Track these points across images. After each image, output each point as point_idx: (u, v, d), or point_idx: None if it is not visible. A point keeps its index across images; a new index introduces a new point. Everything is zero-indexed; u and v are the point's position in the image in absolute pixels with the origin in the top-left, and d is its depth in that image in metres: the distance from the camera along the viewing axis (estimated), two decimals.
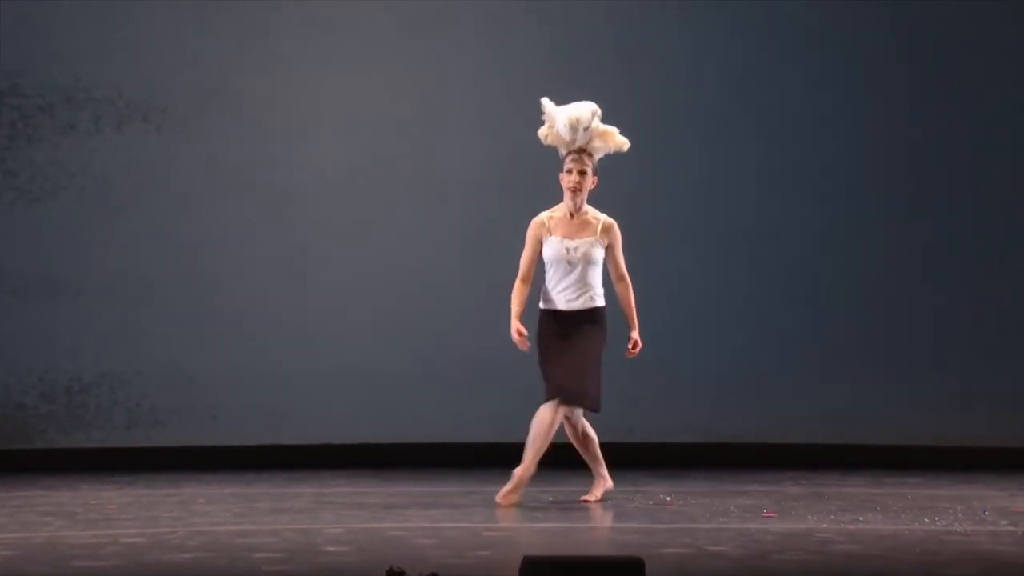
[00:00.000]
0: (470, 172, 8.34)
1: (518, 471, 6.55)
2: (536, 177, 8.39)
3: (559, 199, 6.67)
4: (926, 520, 6.28)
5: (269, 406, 8.15)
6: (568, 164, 6.56)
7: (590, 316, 6.56)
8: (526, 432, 8.55)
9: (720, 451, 8.17)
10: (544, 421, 6.52)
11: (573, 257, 6.54)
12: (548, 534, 5.94)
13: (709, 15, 8.32)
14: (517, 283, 6.59)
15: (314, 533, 5.85)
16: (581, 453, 6.77)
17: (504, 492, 6.56)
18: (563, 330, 6.56)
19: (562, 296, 6.58)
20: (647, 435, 8.22)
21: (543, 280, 6.68)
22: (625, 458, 8.15)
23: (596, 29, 8.34)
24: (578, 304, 6.55)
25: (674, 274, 8.27)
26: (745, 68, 8.35)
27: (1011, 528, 6.06)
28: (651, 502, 6.80)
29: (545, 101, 6.57)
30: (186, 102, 8.20)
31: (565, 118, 6.51)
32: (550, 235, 6.57)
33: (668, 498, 6.91)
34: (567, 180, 6.56)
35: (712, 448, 8.18)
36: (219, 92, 8.23)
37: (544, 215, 6.63)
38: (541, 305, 6.65)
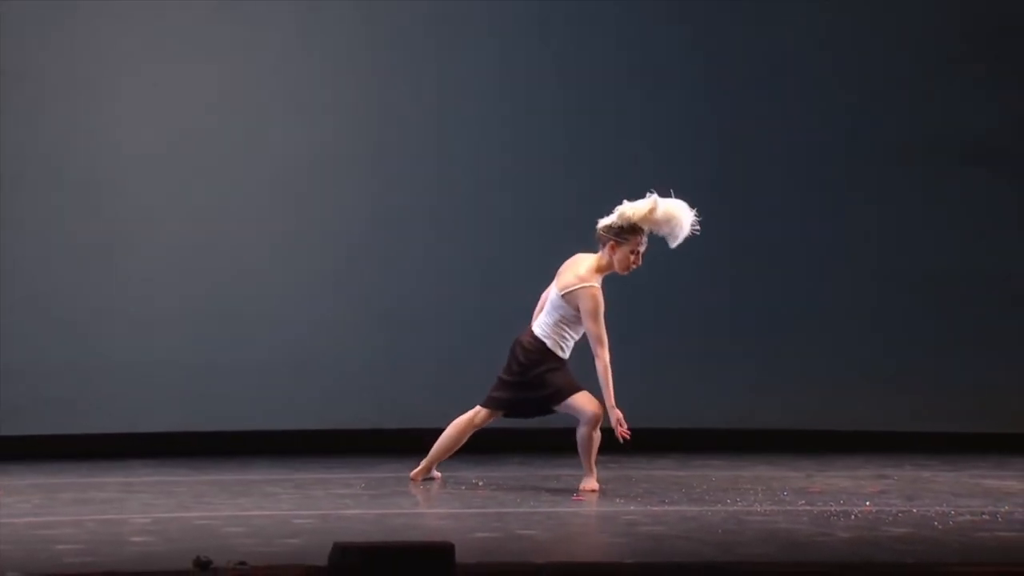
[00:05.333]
0: (285, 157, 8.27)
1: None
2: (350, 162, 8.39)
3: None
4: (728, 501, 6.46)
5: (75, 395, 7.96)
6: (643, 248, 6.71)
7: None
8: (336, 419, 8.52)
9: (531, 437, 8.26)
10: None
11: None
12: (358, 520, 5.94)
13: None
14: (606, 363, 6.67)
15: (119, 523, 5.75)
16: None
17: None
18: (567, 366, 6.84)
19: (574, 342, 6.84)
20: None
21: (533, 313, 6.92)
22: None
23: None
24: None
25: (477, 265, 8.33)
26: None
27: (808, 507, 6.27)
28: (463, 487, 6.85)
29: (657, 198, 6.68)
30: None
31: (683, 223, 6.65)
32: None
33: (479, 483, 6.97)
34: (635, 263, 6.72)
35: (523, 434, 8.26)
36: (23, 76, 8.00)
37: (598, 286, 6.72)
38: (556, 351, 6.77)
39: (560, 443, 8.16)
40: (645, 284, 8.09)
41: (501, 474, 7.28)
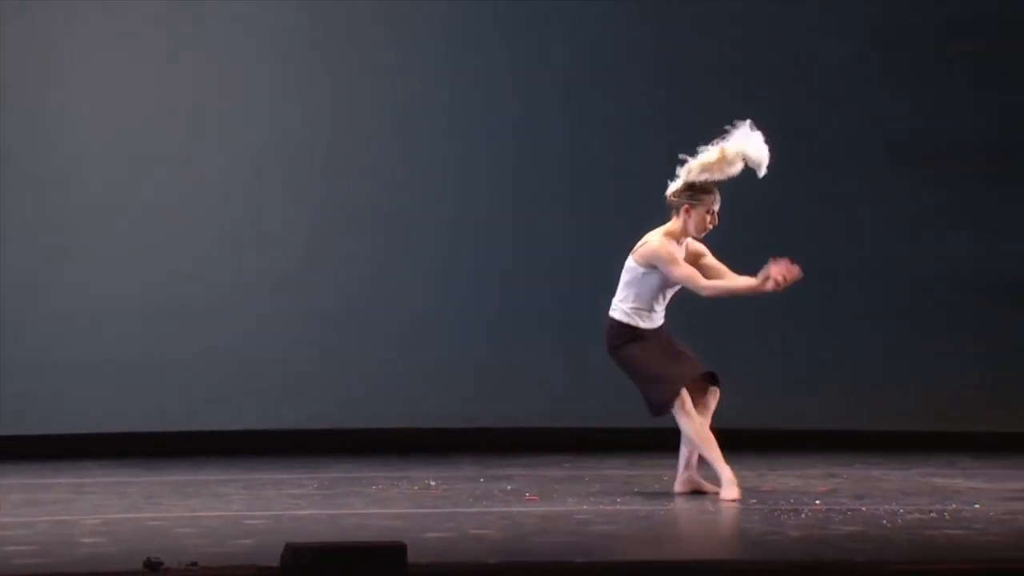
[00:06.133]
0: (234, 157, 8.24)
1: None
2: (300, 160, 8.37)
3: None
4: (680, 500, 6.50)
5: (24, 395, 7.91)
6: (717, 206, 6.43)
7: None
8: (289, 418, 8.52)
9: (484, 436, 8.28)
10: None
11: None
12: (311, 521, 5.93)
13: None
14: (709, 283, 6.36)
15: (70, 524, 5.72)
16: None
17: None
18: (653, 341, 6.52)
19: (658, 317, 6.54)
20: (412, 420, 8.27)
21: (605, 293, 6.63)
22: (391, 444, 8.21)
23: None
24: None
25: (439, 260, 8.35)
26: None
27: (759, 506, 6.31)
28: (416, 487, 6.85)
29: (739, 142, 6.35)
30: None
31: (756, 149, 6.36)
32: None
33: (433, 483, 6.97)
34: (712, 223, 6.43)
35: (476, 433, 8.28)
36: None
37: (668, 240, 6.41)
38: (628, 321, 6.47)
39: (513, 442, 8.20)
40: (599, 285, 8.11)
41: (454, 474, 7.28)
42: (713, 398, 6.57)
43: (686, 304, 8.52)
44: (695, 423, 6.45)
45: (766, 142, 6.39)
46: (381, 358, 8.29)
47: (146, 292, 8.13)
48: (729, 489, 6.42)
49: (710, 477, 6.69)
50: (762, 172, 6.40)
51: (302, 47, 8.31)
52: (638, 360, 6.50)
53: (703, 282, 6.39)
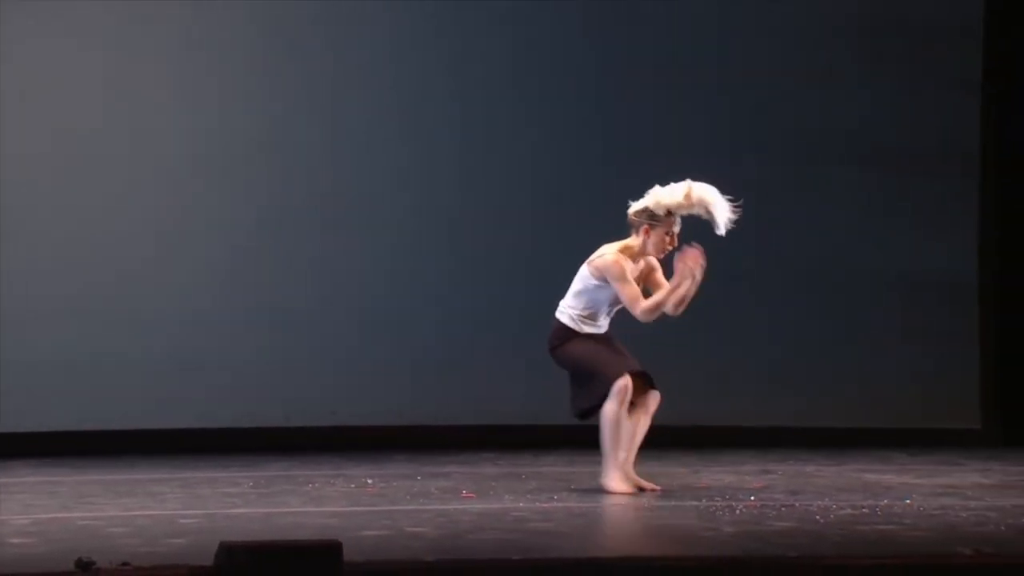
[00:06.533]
0: (172, 155, 8.18)
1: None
2: (238, 158, 8.32)
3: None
4: (616, 497, 6.51)
5: None
6: (677, 228, 6.50)
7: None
8: (225, 416, 8.47)
9: (420, 434, 8.27)
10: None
11: None
12: (246, 520, 5.90)
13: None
14: (643, 305, 6.44)
15: None
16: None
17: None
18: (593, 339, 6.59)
19: (603, 326, 6.62)
20: (348, 418, 8.25)
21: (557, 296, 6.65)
22: (327, 441, 8.18)
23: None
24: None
25: (366, 263, 8.32)
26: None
27: (694, 503, 6.35)
28: (352, 485, 6.83)
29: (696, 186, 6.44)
30: None
31: (719, 206, 6.44)
32: None
33: (369, 481, 6.96)
34: (671, 244, 6.49)
35: (413, 430, 8.27)
36: None
37: (623, 258, 6.48)
38: (572, 326, 6.55)
39: (449, 439, 8.19)
40: (537, 284, 8.12)
41: (390, 472, 7.27)
42: (653, 401, 6.61)
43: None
44: (618, 411, 6.47)
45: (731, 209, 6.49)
46: (316, 357, 8.26)
47: (78, 291, 8.04)
48: (611, 478, 6.46)
49: (646, 474, 6.72)
50: (720, 231, 6.49)
51: (249, 44, 8.26)
52: (575, 357, 6.56)
53: (641, 306, 6.48)
